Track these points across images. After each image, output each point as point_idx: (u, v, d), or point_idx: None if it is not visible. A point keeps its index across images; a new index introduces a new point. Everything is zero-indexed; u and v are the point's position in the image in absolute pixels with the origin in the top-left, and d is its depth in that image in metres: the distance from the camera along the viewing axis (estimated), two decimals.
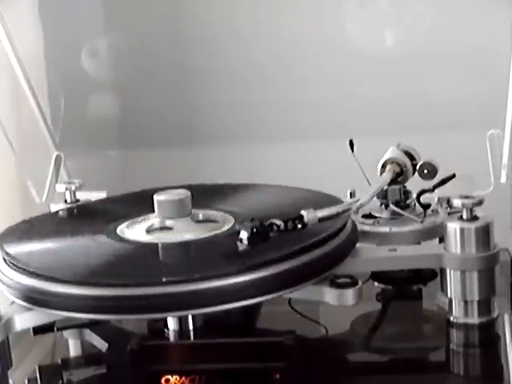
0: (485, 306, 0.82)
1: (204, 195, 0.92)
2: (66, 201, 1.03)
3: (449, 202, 0.93)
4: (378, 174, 0.94)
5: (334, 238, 0.80)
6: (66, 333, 0.85)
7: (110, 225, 0.87)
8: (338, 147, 0.96)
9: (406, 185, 0.95)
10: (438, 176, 0.94)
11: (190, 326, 0.79)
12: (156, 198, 0.85)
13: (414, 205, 0.94)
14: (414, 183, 0.95)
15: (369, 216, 0.95)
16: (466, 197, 0.82)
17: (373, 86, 1.18)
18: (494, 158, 1.00)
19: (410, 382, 0.76)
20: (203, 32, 1.20)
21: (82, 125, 1.23)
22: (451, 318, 0.83)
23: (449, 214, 0.93)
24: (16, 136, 1.11)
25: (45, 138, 1.16)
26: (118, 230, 0.85)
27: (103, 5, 1.23)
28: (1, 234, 0.87)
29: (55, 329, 0.82)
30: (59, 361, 0.83)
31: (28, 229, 0.90)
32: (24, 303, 0.77)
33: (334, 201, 0.87)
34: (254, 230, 0.74)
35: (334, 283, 0.78)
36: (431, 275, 0.92)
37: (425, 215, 0.93)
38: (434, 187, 0.93)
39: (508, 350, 0.77)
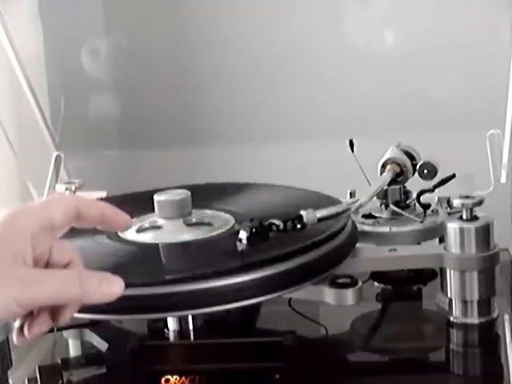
0: (485, 306, 0.82)
1: (204, 195, 0.92)
2: None
3: (449, 202, 0.93)
4: (378, 173, 0.94)
5: (334, 238, 0.80)
6: (66, 333, 0.85)
7: None
8: (338, 147, 0.96)
9: (406, 185, 0.95)
10: (438, 176, 0.93)
11: (190, 326, 0.79)
12: (156, 198, 0.85)
13: (414, 205, 0.94)
14: (414, 183, 0.95)
15: (369, 216, 0.95)
16: (466, 197, 0.82)
17: (373, 86, 1.18)
18: (494, 158, 1.00)
19: (409, 382, 0.76)
20: (203, 32, 1.20)
21: (82, 125, 1.23)
22: (451, 318, 0.83)
23: (449, 214, 0.93)
24: (16, 136, 1.11)
25: (45, 138, 1.16)
26: (118, 231, 0.85)
27: (103, 5, 1.23)
28: None
29: (55, 329, 0.82)
30: (59, 361, 0.83)
31: None
32: None
33: (333, 202, 0.87)
34: (254, 230, 0.74)
35: (334, 283, 0.78)
36: (431, 275, 0.92)
37: (425, 215, 0.93)
38: (434, 187, 0.93)
39: (508, 350, 0.77)
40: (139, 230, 0.84)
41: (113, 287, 0.56)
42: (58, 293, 0.54)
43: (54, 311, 0.56)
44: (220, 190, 0.97)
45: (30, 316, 0.56)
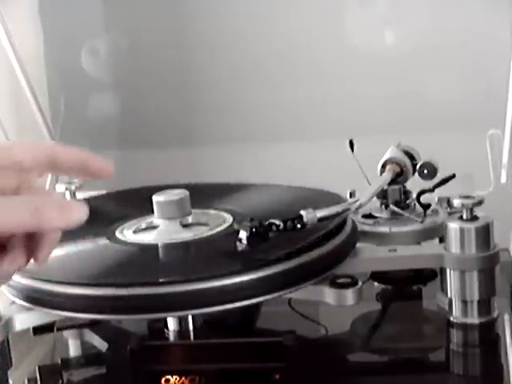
0: (485, 306, 0.82)
1: (203, 194, 0.92)
2: None
3: (449, 202, 0.93)
4: (378, 173, 0.94)
5: (334, 237, 0.80)
6: (66, 333, 0.85)
7: (109, 226, 0.87)
8: (338, 147, 0.96)
9: (405, 185, 0.95)
10: (438, 176, 0.93)
11: (190, 326, 0.79)
12: (155, 198, 0.84)
13: (414, 205, 0.94)
14: (414, 183, 0.95)
15: (369, 216, 0.94)
16: (466, 197, 0.82)
17: (373, 85, 1.18)
18: (493, 158, 1.00)
19: (409, 382, 0.76)
20: (203, 32, 1.20)
21: (81, 125, 1.23)
22: (451, 318, 0.83)
23: (449, 214, 0.93)
24: (16, 136, 1.11)
25: (45, 139, 1.16)
26: (117, 232, 0.85)
27: (103, 5, 1.24)
28: None
29: (55, 329, 0.82)
30: (59, 361, 0.83)
31: None
32: (24, 303, 0.77)
33: (334, 197, 0.87)
34: (254, 229, 0.74)
35: (334, 283, 0.78)
36: (431, 275, 0.92)
37: (425, 215, 0.93)
38: (434, 187, 0.93)
39: (508, 350, 0.77)
40: (138, 231, 0.84)
41: (73, 214, 0.53)
42: (12, 218, 0.51)
43: (29, 248, 0.54)
44: (219, 189, 0.97)
45: (2, 253, 0.54)
